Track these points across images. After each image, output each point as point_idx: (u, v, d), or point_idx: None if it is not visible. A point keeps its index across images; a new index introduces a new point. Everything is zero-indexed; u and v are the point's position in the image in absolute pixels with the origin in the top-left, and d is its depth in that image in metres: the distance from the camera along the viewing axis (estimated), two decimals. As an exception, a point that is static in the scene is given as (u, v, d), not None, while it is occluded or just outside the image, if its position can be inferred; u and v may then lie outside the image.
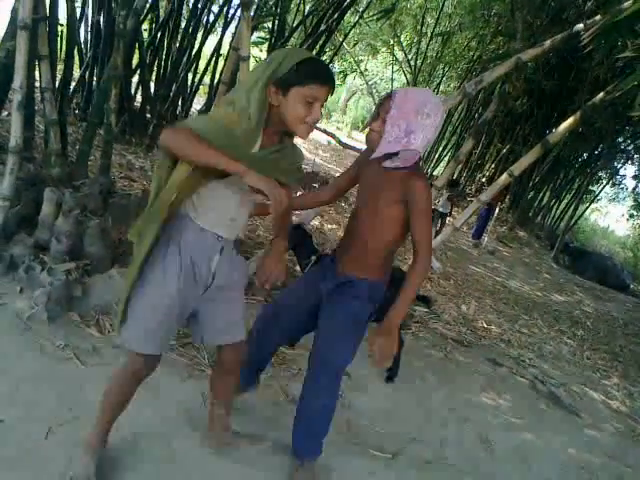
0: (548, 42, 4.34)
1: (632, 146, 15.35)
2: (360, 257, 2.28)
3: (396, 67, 15.83)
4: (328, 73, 1.84)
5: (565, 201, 16.89)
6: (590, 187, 16.37)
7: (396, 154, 2.10)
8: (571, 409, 4.39)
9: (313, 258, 3.72)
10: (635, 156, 16.17)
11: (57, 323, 3.01)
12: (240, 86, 1.87)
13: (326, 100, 1.84)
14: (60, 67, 5.52)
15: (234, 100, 1.81)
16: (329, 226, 7.42)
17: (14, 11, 3.74)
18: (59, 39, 5.64)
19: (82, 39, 7.45)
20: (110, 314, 3.25)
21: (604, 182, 17.41)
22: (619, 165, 16.94)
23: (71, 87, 6.64)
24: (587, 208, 17.57)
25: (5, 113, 5.42)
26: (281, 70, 1.76)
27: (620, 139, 14.92)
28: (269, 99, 1.79)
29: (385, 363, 2.15)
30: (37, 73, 4.11)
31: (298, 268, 4.22)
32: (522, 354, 5.38)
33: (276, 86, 1.77)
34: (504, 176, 4.68)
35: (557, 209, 17.32)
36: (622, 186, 19.43)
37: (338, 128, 25.20)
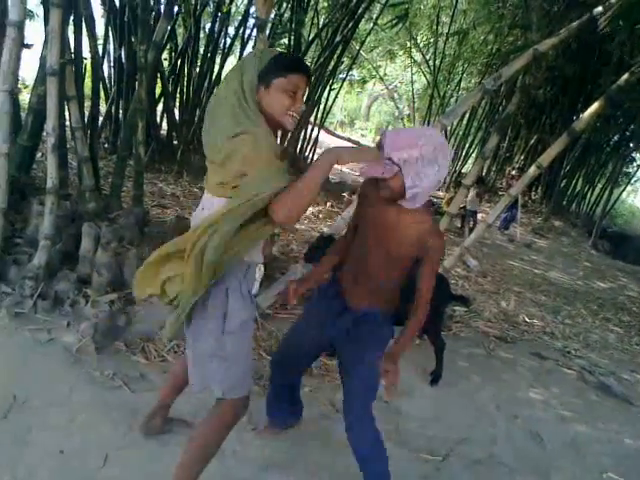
0: (564, 31, 4.32)
1: (664, 123, 14.98)
2: (375, 292, 2.28)
3: (415, 69, 15.78)
4: (304, 63, 1.96)
5: (599, 186, 16.53)
6: (624, 169, 16.01)
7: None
8: (623, 397, 4.31)
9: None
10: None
11: (105, 353, 3.12)
12: (235, 109, 1.80)
13: (305, 91, 1.91)
14: (87, 104, 5.70)
15: (246, 130, 1.75)
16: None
17: (43, 58, 3.90)
18: (84, 77, 5.83)
19: (106, 74, 7.67)
20: (154, 340, 3.35)
21: (639, 162, 17.00)
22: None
23: (99, 122, 6.85)
24: (623, 191, 17.15)
25: (39, 154, 5.62)
26: (262, 64, 1.83)
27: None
28: (259, 101, 1.83)
29: (393, 395, 2.19)
30: (66, 113, 4.27)
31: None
32: (567, 345, 5.30)
33: (259, 82, 1.83)
34: (532, 168, 4.66)
35: (592, 195, 16.94)
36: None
37: (362, 135, 25.25)
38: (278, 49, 2.08)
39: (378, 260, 2.19)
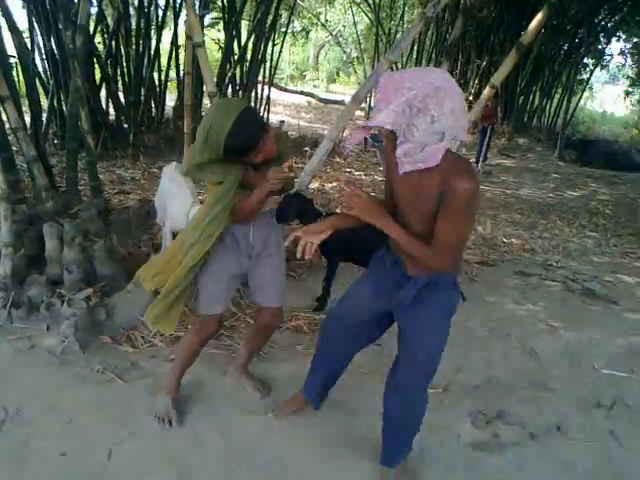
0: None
1: (611, 23, 14.95)
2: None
3: (355, 9, 15.48)
4: (255, 126, 2.10)
5: (557, 97, 16.58)
6: (578, 77, 16.03)
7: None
8: (608, 299, 4.40)
9: (319, 220, 3.72)
10: (617, 32, 15.75)
11: (90, 350, 3.06)
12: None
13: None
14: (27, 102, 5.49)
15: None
16: (329, 185, 7.39)
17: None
18: (16, 75, 5.59)
19: (41, 69, 7.36)
20: (139, 328, 3.30)
21: (592, 67, 17.01)
22: (603, 46, 16.52)
23: (43, 119, 6.62)
24: (580, 98, 17.19)
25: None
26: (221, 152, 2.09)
27: (597, 20, 14.51)
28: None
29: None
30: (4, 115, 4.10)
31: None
32: (548, 258, 5.38)
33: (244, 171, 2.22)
34: (487, 89, 4.60)
35: (551, 107, 17.00)
36: (616, 65, 19.08)
37: (315, 86, 24.87)
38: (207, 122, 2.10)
39: (418, 228, 1.90)
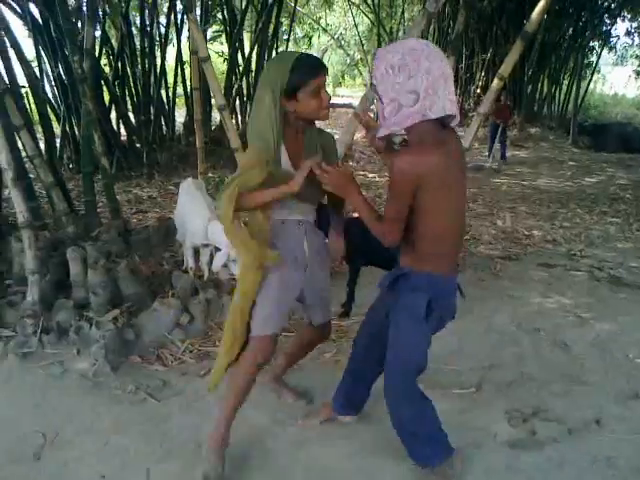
0: None
1: (614, 3, 14.79)
2: (406, 247, 2.05)
3: (355, 11, 15.47)
4: (318, 62, 2.11)
5: (566, 83, 16.43)
6: (586, 60, 15.88)
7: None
8: (635, 285, 4.34)
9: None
10: (622, 12, 15.58)
11: (121, 370, 3.08)
12: (258, 116, 2.10)
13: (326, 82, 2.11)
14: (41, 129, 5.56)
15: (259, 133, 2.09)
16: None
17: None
18: (27, 103, 5.66)
19: (51, 95, 7.46)
20: (167, 345, 3.32)
21: (599, 50, 16.82)
22: (608, 27, 16.32)
23: (57, 144, 6.70)
24: (590, 82, 17.00)
25: (7, 191, 5.50)
26: (282, 82, 2.02)
27: (600, 0, 14.36)
28: (285, 109, 2.07)
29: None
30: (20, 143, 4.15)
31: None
32: (571, 248, 5.32)
33: (286, 97, 2.04)
34: (495, 81, 4.57)
35: (560, 94, 16.85)
36: (623, 45, 18.82)
37: (320, 90, 24.83)
38: (289, 52, 2.30)
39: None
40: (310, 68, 2.05)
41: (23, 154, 4.31)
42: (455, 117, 1.92)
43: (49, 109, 6.63)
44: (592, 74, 16.91)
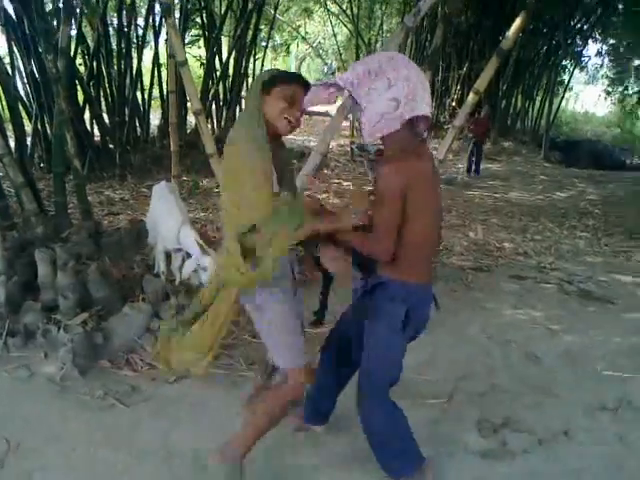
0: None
1: (587, 25, 15.17)
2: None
3: (335, 21, 15.56)
4: (302, 77, 2.14)
5: (539, 99, 16.75)
6: (559, 78, 16.23)
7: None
8: (604, 299, 4.41)
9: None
10: (593, 33, 15.99)
11: (90, 375, 3.02)
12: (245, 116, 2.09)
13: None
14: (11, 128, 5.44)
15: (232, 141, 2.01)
16: (317, 196, 7.37)
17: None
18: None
19: (23, 93, 7.32)
20: (137, 350, 3.26)
21: (571, 69, 17.20)
22: (580, 48, 16.74)
23: (28, 143, 6.57)
24: (562, 99, 17.37)
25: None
26: (265, 77, 2.04)
27: (573, 22, 14.71)
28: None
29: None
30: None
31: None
32: (542, 261, 5.39)
33: (263, 89, 2.01)
34: (470, 95, 4.62)
35: (533, 110, 17.18)
36: (594, 65, 19.36)
37: (297, 98, 24.91)
38: (277, 69, 2.22)
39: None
40: (293, 76, 2.11)
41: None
42: (428, 123, 1.97)
43: (21, 107, 6.50)
44: (564, 92, 17.30)
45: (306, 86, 2.06)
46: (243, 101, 10.03)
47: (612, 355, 3.52)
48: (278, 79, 2.03)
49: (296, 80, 2.07)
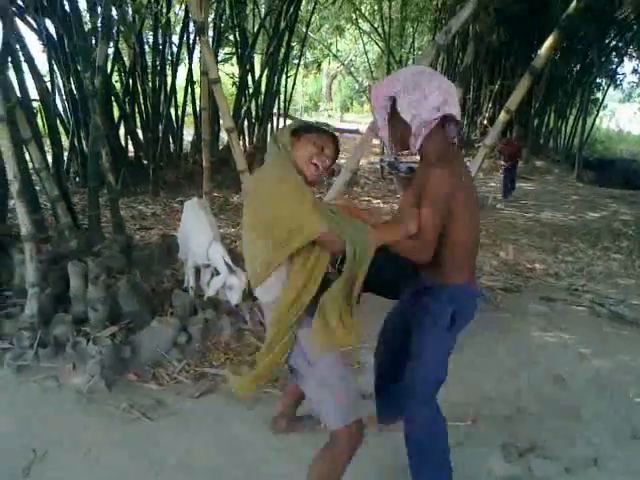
0: (505, -30, 4.24)
1: (622, 42, 14.97)
2: (432, 263, 2.04)
3: (366, 39, 15.64)
4: (329, 128, 2.15)
5: (572, 117, 16.54)
6: (592, 96, 16.01)
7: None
8: (637, 323, 4.30)
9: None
10: (629, 50, 15.77)
11: (116, 387, 3.07)
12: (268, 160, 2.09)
13: (333, 156, 2.07)
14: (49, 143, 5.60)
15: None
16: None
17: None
18: (40, 117, 5.72)
19: (61, 109, 7.54)
20: (164, 364, 3.30)
21: (605, 87, 16.97)
22: (615, 65, 16.50)
23: (64, 158, 6.75)
24: (596, 118, 17.13)
25: (12, 202, 5.52)
26: (293, 127, 2.07)
27: (607, 40, 14.54)
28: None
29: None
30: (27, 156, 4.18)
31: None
32: (573, 283, 5.30)
33: (292, 133, 2.03)
34: (502, 114, 4.60)
35: (566, 128, 16.96)
36: (630, 83, 19.03)
37: (329, 116, 25.11)
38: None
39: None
40: (322, 127, 2.12)
41: (30, 166, 4.33)
42: (457, 128, 2.07)
43: (58, 123, 6.69)
44: (598, 110, 17.04)
45: (334, 138, 2.09)
46: (274, 118, 10.14)
47: (643, 381, 3.43)
48: (309, 127, 2.08)
49: (326, 131, 2.10)
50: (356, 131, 16.54)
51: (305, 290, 1.90)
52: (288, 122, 11.18)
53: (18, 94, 4.11)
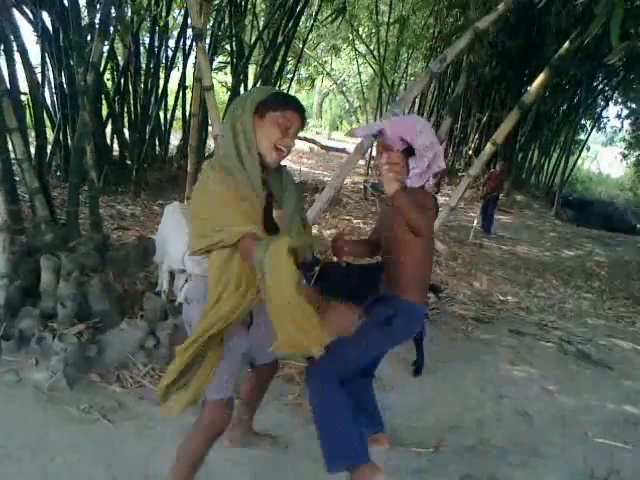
0: (502, 5, 4.32)
1: (609, 87, 15.35)
2: (392, 278, 2.34)
3: (361, 60, 15.80)
4: (299, 103, 1.96)
5: (555, 155, 16.85)
6: (576, 137, 16.34)
7: None
8: (602, 363, 4.36)
9: (316, 269, 3.70)
10: (614, 95, 16.17)
11: (78, 387, 3.01)
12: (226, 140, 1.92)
13: (299, 130, 1.95)
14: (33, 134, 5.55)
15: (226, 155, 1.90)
16: (327, 232, 7.42)
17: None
18: (27, 107, 5.66)
19: (49, 102, 7.48)
20: (129, 367, 3.25)
21: (589, 129, 17.33)
22: (600, 108, 16.88)
23: (48, 151, 6.67)
24: (578, 158, 17.48)
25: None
26: (259, 97, 1.89)
27: (595, 83, 14.88)
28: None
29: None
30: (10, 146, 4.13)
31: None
32: (543, 318, 5.36)
33: (256, 111, 1.87)
34: (488, 146, 4.67)
35: (549, 166, 17.27)
36: (613, 128, 19.53)
37: (317, 133, 25.23)
38: (272, 87, 2.17)
39: (389, 249, 2.37)
40: (289, 100, 1.95)
41: (12, 157, 4.28)
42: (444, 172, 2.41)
43: (45, 116, 6.63)
44: (581, 151, 17.39)
45: (302, 112, 1.94)
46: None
47: (605, 422, 3.45)
48: (274, 101, 1.89)
49: (293, 105, 1.92)
50: (343, 150, 16.62)
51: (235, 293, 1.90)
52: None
53: (7, 84, 4.06)
